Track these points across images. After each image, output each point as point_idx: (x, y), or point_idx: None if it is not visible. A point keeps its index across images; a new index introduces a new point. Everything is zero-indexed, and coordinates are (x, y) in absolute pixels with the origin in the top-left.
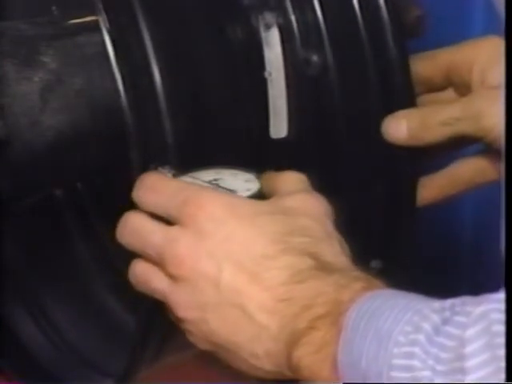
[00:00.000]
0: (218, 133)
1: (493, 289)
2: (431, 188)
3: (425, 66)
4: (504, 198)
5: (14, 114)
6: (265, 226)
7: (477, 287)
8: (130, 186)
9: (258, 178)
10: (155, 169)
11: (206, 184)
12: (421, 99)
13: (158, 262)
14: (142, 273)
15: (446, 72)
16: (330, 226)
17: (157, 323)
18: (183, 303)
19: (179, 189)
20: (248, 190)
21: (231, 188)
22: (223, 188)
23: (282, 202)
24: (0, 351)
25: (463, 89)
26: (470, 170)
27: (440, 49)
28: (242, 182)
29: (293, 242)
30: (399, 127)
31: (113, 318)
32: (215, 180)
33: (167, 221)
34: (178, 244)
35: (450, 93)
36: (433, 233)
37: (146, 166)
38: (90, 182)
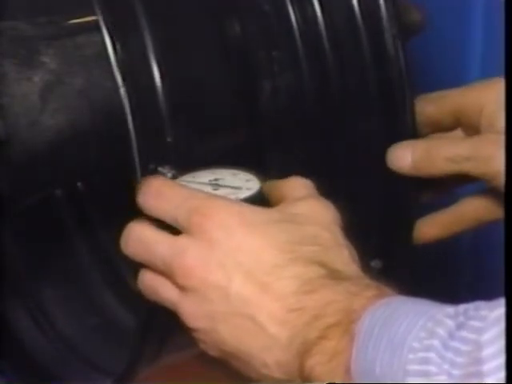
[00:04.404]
0: (218, 133)
1: (492, 292)
2: (436, 226)
3: (433, 108)
4: (504, 200)
5: (14, 114)
6: (274, 234)
7: (476, 290)
8: (129, 185)
9: (258, 177)
10: (155, 169)
11: (207, 184)
12: (428, 138)
13: (166, 273)
14: (150, 283)
15: (454, 114)
16: (338, 233)
17: (157, 323)
18: (193, 313)
19: (187, 196)
20: (249, 189)
21: (232, 187)
22: (224, 187)
23: (289, 209)
24: (0, 351)
25: (472, 130)
26: (474, 209)
27: (448, 90)
28: (243, 181)
29: (302, 251)
30: (404, 156)
31: (113, 318)
32: (215, 180)
33: (172, 227)
34: (186, 254)
35: (457, 133)
36: None
37: (145, 166)
38: (90, 181)
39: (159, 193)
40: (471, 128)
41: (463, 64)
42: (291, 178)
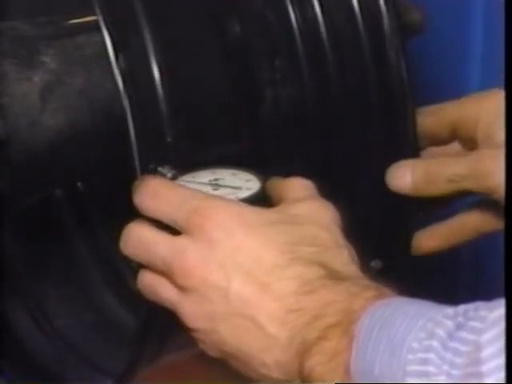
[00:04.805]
0: (218, 132)
1: (492, 294)
2: (435, 238)
3: (431, 122)
4: (505, 202)
5: (14, 114)
6: (273, 235)
7: (476, 292)
8: (129, 185)
9: (259, 177)
10: (155, 169)
11: (207, 184)
12: (426, 152)
13: (166, 273)
14: (150, 283)
15: (451, 127)
16: (338, 233)
17: (157, 323)
18: (193, 313)
19: (186, 197)
20: (249, 189)
21: (232, 187)
22: (224, 187)
23: (289, 209)
24: (0, 351)
25: (469, 143)
26: (474, 220)
27: (445, 103)
28: (243, 181)
29: (302, 252)
30: (403, 178)
31: (113, 318)
32: (215, 180)
33: (171, 227)
34: (186, 254)
35: (455, 145)
36: None
37: (145, 166)
38: (90, 181)
39: (156, 193)
40: (468, 140)
41: (463, 64)
42: (291, 179)
